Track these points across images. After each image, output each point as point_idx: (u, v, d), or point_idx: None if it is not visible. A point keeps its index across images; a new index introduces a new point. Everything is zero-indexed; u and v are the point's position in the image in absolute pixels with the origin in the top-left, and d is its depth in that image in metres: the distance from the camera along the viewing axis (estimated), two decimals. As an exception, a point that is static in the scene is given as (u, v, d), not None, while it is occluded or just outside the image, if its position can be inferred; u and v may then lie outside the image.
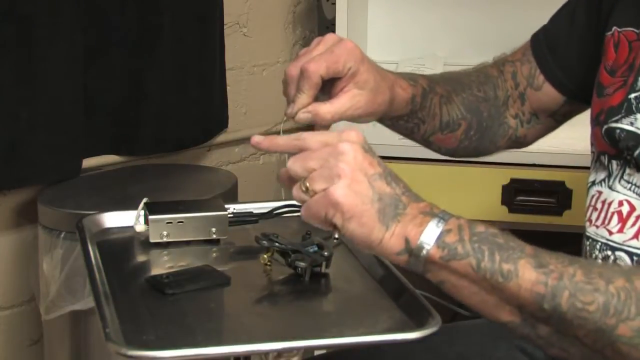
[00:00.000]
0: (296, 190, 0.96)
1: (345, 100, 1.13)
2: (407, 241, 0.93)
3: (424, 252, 0.92)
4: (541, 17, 2.23)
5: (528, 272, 0.90)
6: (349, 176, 0.93)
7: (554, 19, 1.29)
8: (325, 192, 0.93)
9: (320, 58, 1.11)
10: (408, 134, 1.27)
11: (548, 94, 1.28)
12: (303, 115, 1.12)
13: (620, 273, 0.90)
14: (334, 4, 2.02)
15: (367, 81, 1.13)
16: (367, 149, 0.96)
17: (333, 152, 0.94)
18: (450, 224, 0.93)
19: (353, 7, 2.03)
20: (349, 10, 2.00)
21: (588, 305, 0.88)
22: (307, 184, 0.95)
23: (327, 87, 1.13)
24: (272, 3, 2.32)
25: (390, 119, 1.23)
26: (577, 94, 1.26)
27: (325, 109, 1.12)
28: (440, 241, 0.92)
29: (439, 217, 0.93)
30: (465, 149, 1.31)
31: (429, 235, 0.92)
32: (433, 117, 1.25)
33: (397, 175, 0.97)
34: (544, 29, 1.30)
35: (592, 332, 0.89)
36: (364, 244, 0.94)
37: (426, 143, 1.29)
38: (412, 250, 0.93)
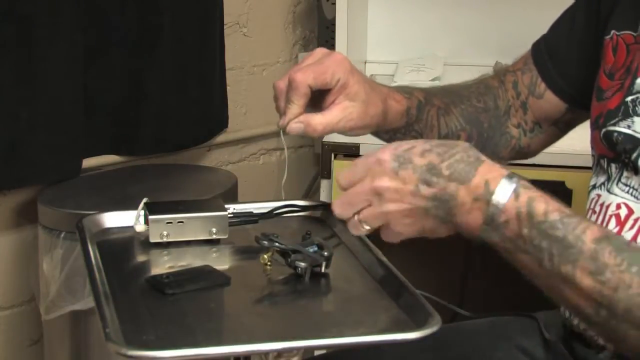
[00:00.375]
0: (354, 227, 1.02)
1: (337, 112, 1.13)
2: (470, 232, 0.96)
3: (489, 240, 0.95)
4: (541, 17, 2.22)
5: (586, 280, 0.90)
6: (399, 213, 0.98)
7: (554, 26, 1.29)
8: (387, 227, 1.00)
9: (307, 68, 1.12)
10: None
11: (550, 101, 1.27)
12: (295, 126, 1.13)
13: None
14: (334, 4, 2.02)
15: (357, 93, 1.13)
16: (397, 165, 0.97)
17: (372, 192, 0.98)
18: (508, 213, 0.93)
19: (353, 7, 2.03)
20: (349, 10, 2.01)
21: None
22: (364, 221, 1.00)
23: (318, 101, 1.14)
24: (272, 3, 2.33)
25: (387, 132, 1.23)
26: (577, 100, 1.25)
27: (317, 119, 1.13)
28: (500, 233, 0.94)
29: (494, 205, 0.93)
30: None
31: (487, 234, 0.95)
32: (431, 129, 1.25)
33: (441, 157, 0.97)
34: (544, 37, 1.30)
35: None
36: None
37: None
38: (480, 242, 0.96)
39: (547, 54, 1.27)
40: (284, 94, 1.14)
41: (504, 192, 0.93)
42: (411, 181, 0.96)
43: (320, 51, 1.15)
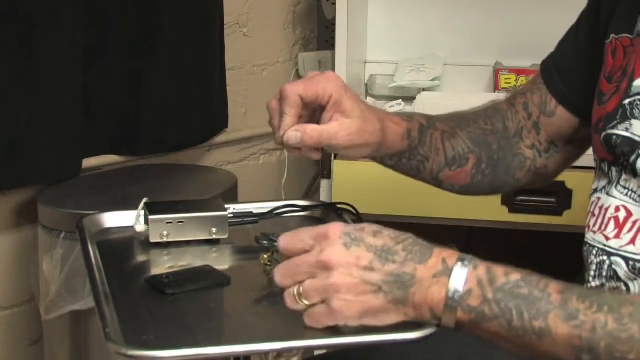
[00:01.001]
0: (289, 299, 0.95)
1: (334, 125, 1.12)
2: (432, 310, 0.93)
3: (451, 317, 0.92)
4: (541, 18, 2.23)
5: (561, 328, 0.89)
6: (345, 287, 0.92)
7: (561, 42, 1.27)
8: (327, 307, 0.93)
9: (297, 82, 1.11)
10: (415, 173, 1.24)
11: (562, 118, 1.25)
12: (291, 134, 1.11)
13: None
14: (334, 4, 2.02)
15: (353, 109, 1.12)
16: (349, 241, 0.93)
17: (319, 265, 0.93)
18: (470, 282, 0.91)
19: (353, 7, 2.03)
20: (349, 10, 2.00)
21: (627, 354, 0.88)
22: (302, 294, 0.94)
23: (315, 122, 1.13)
24: (272, 3, 2.33)
25: (391, 158, 1.21)
26: (588, 112, 1.22)
27: (313, 126, 1.11)
28: (464, 305, 0.91)
29: (454, 278, 0.91)
30: (480, 185, 1.26)
31: (452, 303, 0.92)
32: (437, 152, 1.22)
33: (392, 244, 0.94)
34: (551, 54, 1.28)
35: None
36: (392, 325, 0.94)
37: (437, 182, 1.26)
38: (440, 317, 0.92)
39: (554, 68, 1.25)
40: (277, 110, 1.12)
41: (462, 265, 0.92)
42: (365, 258, 0.93)
43: (313, 72, 1.14)
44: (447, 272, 0.92)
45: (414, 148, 1.21)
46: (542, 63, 1.28)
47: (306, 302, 0.94)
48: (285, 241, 0.96)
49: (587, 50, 1.21)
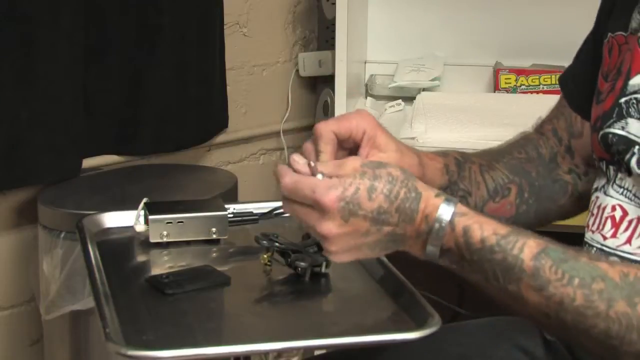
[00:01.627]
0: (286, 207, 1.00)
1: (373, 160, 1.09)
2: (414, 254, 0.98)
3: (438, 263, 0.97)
4: (541, 18, 2.23)
5: (531, 295, 0.93)
6: (343, 254, 0.98)
7: (576, 55, 1.26)
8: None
9: (329, 120, 1.09)
10: None
11: (589, 134, 1.20)
12: None
13: (620, 292, 0.91)
14: (334, 4, 2.02)
15: (387, 144, 1.10)
16: (347, 213, 0.97)
17: (318, 235, 0.98)
18: (448, 243, 0.96)
19: (353, 7, 2.03)
20: (349, 10, 2.00)
21: (592, 328, 0.91)
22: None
23: None
24: (272, 3, 2.32)
25: None
26: None
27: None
28: (445, 260, 0.97)
29: (432, 237, 0.96)
30: (526, 215, 1.23)
31: (432, 259, 0.97)
32: (477, 185, 1.21)
33: (388, 199, 0.97)
34: (568, 68, 1.27)
35: (598, 347, 0.92)
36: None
37: None
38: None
39: (572, 82, 1.24)
40: (313, 152, 1.07)
41: (440, 225, 0.96)
42: (362, 227, 0.97)
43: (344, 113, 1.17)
44: (427, 233, 0.97)
45: (454, 182, 1.20)
46: (559, 79, 1.28)
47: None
48: (286, 184, 0.99)
49: (595, 54, 1.20)
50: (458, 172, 1.20)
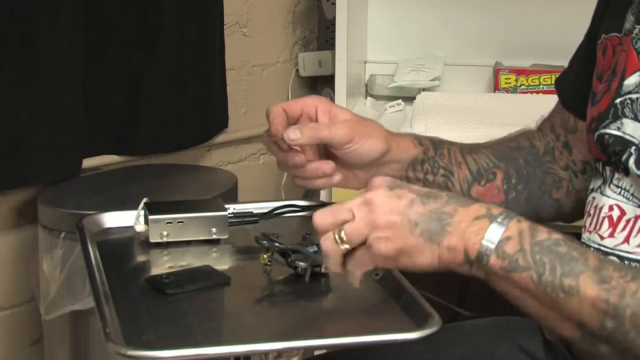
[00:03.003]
0: (328, 242, 0.96)
1: (329, 120, 1.13)
2: (466, 252, 0.93)
3: (484, 262, 0.93)
4: (541, 18, 2.23)
5: (590, 289, 0.90)
6: (384, 222, 0.94)
7: (572, 57, 1.27)
8: (367, 247, 0.95)
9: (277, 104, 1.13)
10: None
11: (584, 131, 1.20)
12: (290, 129, 1.10)
13: None
14: (334, 4, 2.02)
15: (345, 112, 1.14)
16: (393, 186, 0.96)
17: (360, 202, 0.95)
18: (511, 229, 0.93)
19: (353, 7, 2.03)
20: (349, 10, 2.00)
21: None
22: (343, 237, 0.95)
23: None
24: (272, 3, 2.32)
25: (413, 169, 1.20)
26: None
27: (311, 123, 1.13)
28: (500, 251, 0.92)
29: (497, 222, 0.93)
30: (517, 202, 1.23)
31: (488, 244, 0.93)
32: (459, 165, 1.22)
33: (437, 192, 0.97)
34: (565, 69, 1.27)
35: None
36: (424, 269, 0.95)
37: None
38: (473, 261, 0.93)
39: (567, 83, 1.25)
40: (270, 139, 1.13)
41: (507, 214, 0.94)
42: (407, 197, 0.95)
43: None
44: (490, 218, 0.94)
45: (431, 158, 1.20)
46: (555, 82, 1.28)
47: (347, 246, 0.95)
48: (319, 216, 0.97)
49: (590, 56, 1.20)
50: (434, 149, 1.21)
